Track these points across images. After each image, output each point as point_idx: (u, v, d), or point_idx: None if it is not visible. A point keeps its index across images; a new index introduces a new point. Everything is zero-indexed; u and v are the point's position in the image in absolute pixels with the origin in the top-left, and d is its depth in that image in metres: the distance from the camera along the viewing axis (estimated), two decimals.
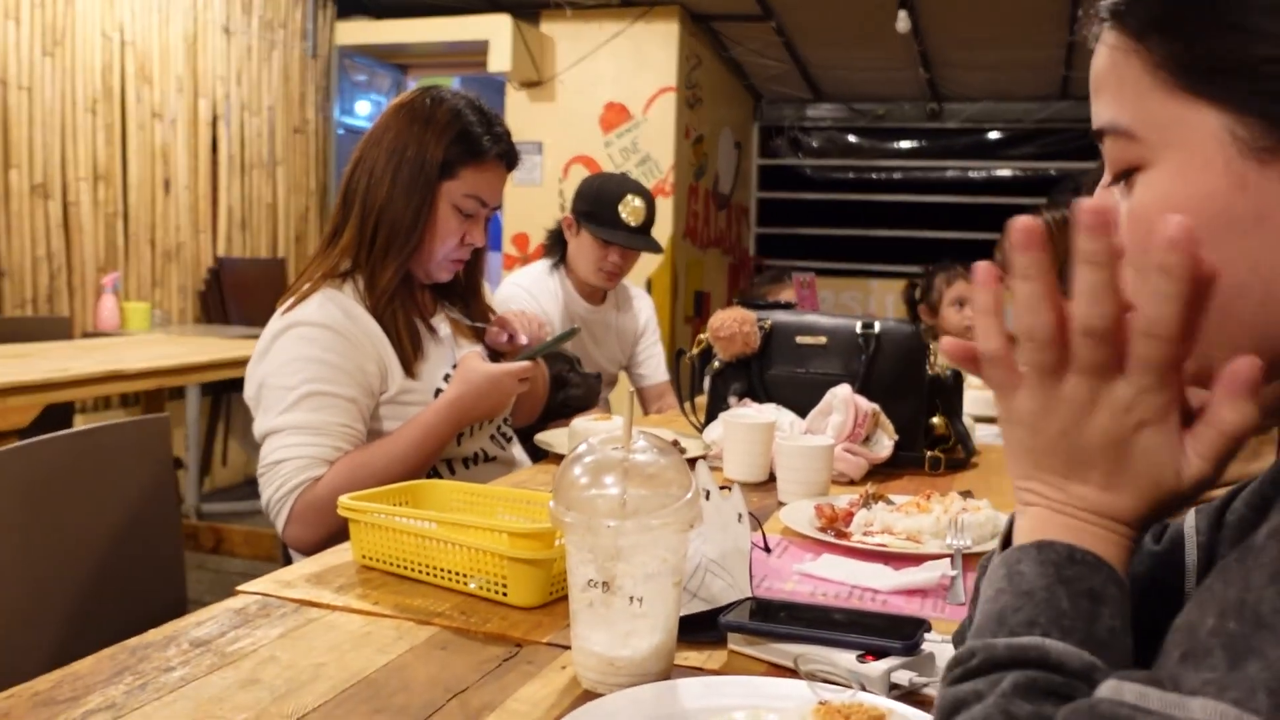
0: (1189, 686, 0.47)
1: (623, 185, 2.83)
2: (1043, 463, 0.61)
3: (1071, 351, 0.59)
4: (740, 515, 1.08)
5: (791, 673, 0.91)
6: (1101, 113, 0.65)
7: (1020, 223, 0.58)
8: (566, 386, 2.47)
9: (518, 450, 2.00)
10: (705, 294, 6.75)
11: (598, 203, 2.78)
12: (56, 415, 3.17)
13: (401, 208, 1.72)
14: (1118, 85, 0.64)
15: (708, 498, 1.05)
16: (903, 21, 5.41)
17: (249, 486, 5.23)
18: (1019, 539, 0.62)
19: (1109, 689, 0.49)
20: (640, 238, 2.80)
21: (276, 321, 1.70)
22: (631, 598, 0.87)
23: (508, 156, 1.80)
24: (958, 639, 0.75)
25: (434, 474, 1.79)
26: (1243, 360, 0.56)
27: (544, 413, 2.23)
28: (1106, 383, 0.58)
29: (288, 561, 1.75)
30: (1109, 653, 0.55)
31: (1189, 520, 0.78)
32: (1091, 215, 0.57)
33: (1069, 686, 0.53)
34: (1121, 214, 0.64)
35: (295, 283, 1.77)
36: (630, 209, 2.76)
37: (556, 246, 2.94)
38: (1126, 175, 0.64)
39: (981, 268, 0.61)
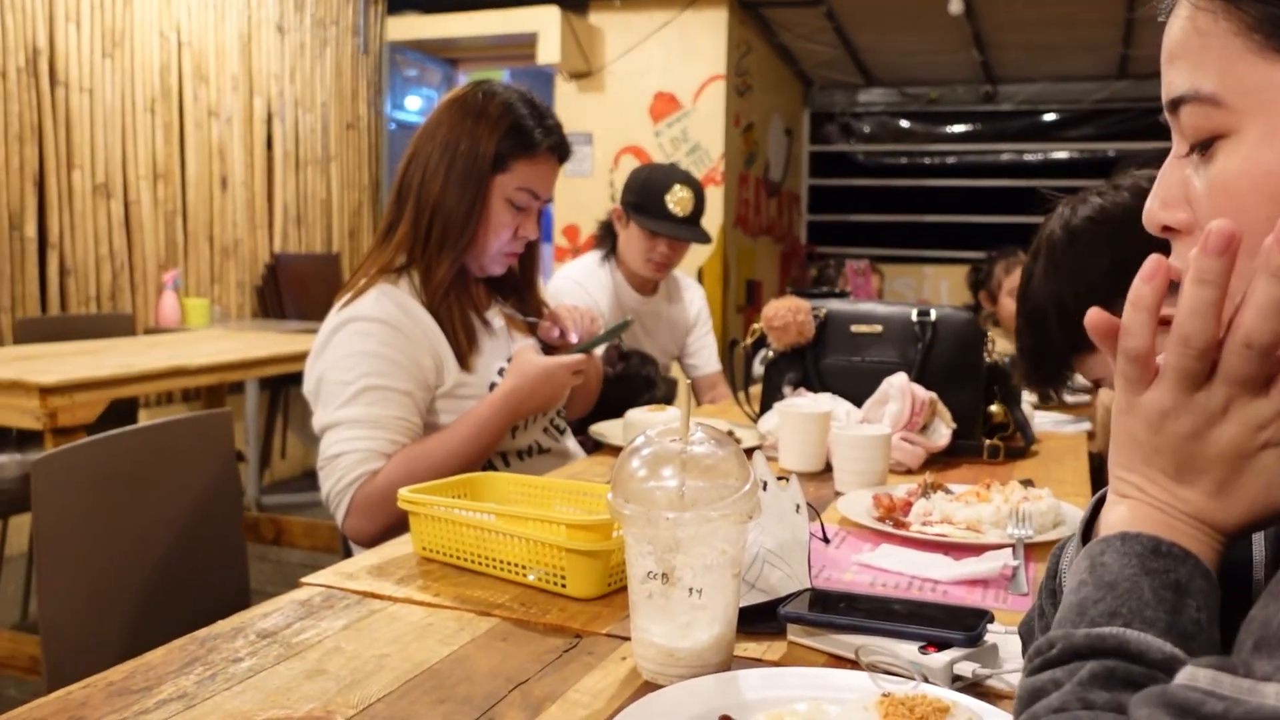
0: (1261, 672, 0.47)
1: (670, 175, 2.82)
2: (1154, 460, 0.61)
3: (1224, 360, 0.57)
4: (798, 506, 1.07)
5: (852, 664, 0.91)
6: (1178, 81, 0.63)
7: (1220, 226, 0.55)
8: (653, 388, 2.48)
9: (571, 442, 2.00)
10: (757, 283, 6.73)
11: (644, 194, 2.78)
12: (122, 410, 3.24)
13: (455, 202, 1.73)
14: (1200, 51, 0.62)
15: (765, 489, 1.04)
16: (956, 3, 5.34)
17: (308, 479, 5.31)
18: (1109, 530, 0.61)
19: (1184, 675, 0.50)
20: (687, 228, 2.79)
21: (334, 317, 1.72)
22: (691, 589, 0.87)
23: (559, 149, 1.81)
24: (1023, 630, 0.74)
25: (489, 466, 1.80)
26: None
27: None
28: (1245, 397, 0.57)
29: (347, 553, 1.78)
30: (1193, 644, 0.54)
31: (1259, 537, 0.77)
32: (1226, 238, 0.55)
33: (1149, 676, 0.52)
34: (1196, 186, 0.63)
35: (352, 278, 1.79)
36: (677, 199, 2.76)
37: (607, 238, 2.94)
38: (1205, 145, 0.62)
39: (1155, 260, 0.59)
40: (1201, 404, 0.58)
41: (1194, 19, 0.62)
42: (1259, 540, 0.75)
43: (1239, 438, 0.58)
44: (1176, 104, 0.63)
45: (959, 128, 7.57)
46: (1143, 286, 0.59)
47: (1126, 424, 0.62)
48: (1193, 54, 0.62)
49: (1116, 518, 0.61)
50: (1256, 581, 0.75)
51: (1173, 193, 0.65)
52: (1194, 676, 0.49)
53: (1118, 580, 0.57)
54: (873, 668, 0.87)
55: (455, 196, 1.73)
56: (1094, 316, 0.62)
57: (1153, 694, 0.49)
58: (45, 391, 2.51)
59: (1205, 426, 0.58)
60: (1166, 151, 0.67)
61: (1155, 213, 0.66)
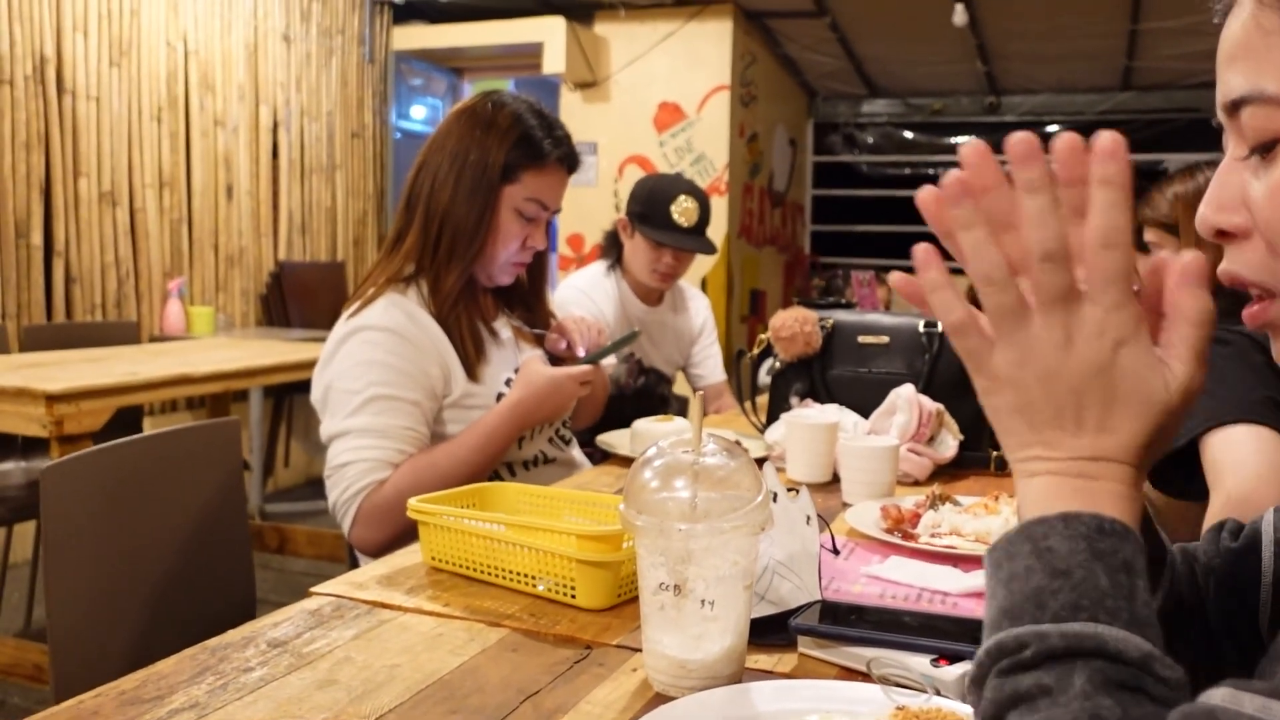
0: None
1: (675, 186, 2.83)
2: (1035, 419, 0.59)
3: (1034, 284, 0.58)
4: (809, 517, 1.07)
5: (863, 677, 0.91)
6: (1238, 82, 0.61)
7: (1016, 137, 0.57)
8: (668, 405, 2.49)
9: (576, 452, 2.00)
10: (761, 292, 6.73)
11: (650, 204, 2.78)
12: (127, 418, 3.24)
13: (464, 212, 1.73)
14: (1263, 52, 0.60)
15: (776, 500, 1.04)
16: (960, 15, 5.35)
17: (311, 487, 5.31)
18: (1031, 512, 0.59)
19: (1225, 697, 0.48)
20: (692, 238, 2.80)
21: (342, 326, 1.72)
22: (703, 601, 0.87)
23: (568, 160, 1.81)
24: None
25: (495, 476, 1.80)
26: (1188, 254, 0.58)
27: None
28: (1074, 310, 0.57)
29: (353, 562, 1.78)
30: (1150, 630, 0.53)
31: (1267, 518, 0.76)
32: (1021, 145, 0.57)
33: (1135, 677, 0.51)
34: (1256, 190, 0.61)
35: (360, 287, 1.79)
36: (682, 209, 2.76)
37: (612, 248, 2.94)
38: (1267, 148, 0.61)
39: (919, 251, 0.61)
40: (1041, 336, 0.58)
41: (1258, 18, 0.60)
42: (1268, 543, 0.75)
43: (1090, 351, 0.57)
44: (1237, 105, 0.62)
45: (962, 138, 7.56)
46: (926, 274, 0.61)
47: (999, 401, 0.61)
48: (1257, 54, 0.60)
49: (1034, 497, 0.59)
50: (1264, 588, 0.75)
51: (1228, 195, 0.64)
52: (1238, 700, 0.48)
53: (1071, 567, 0.54)
54: (885, 680, 0.87)
55: (464, 206, 1.73)
56: (896, 279, 0.64)
57: (1196, 712, 0.48)
58: (51, 399, 2.52)
59: (1056, 356, 0.58)
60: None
61: (1209, 217, 0.64)
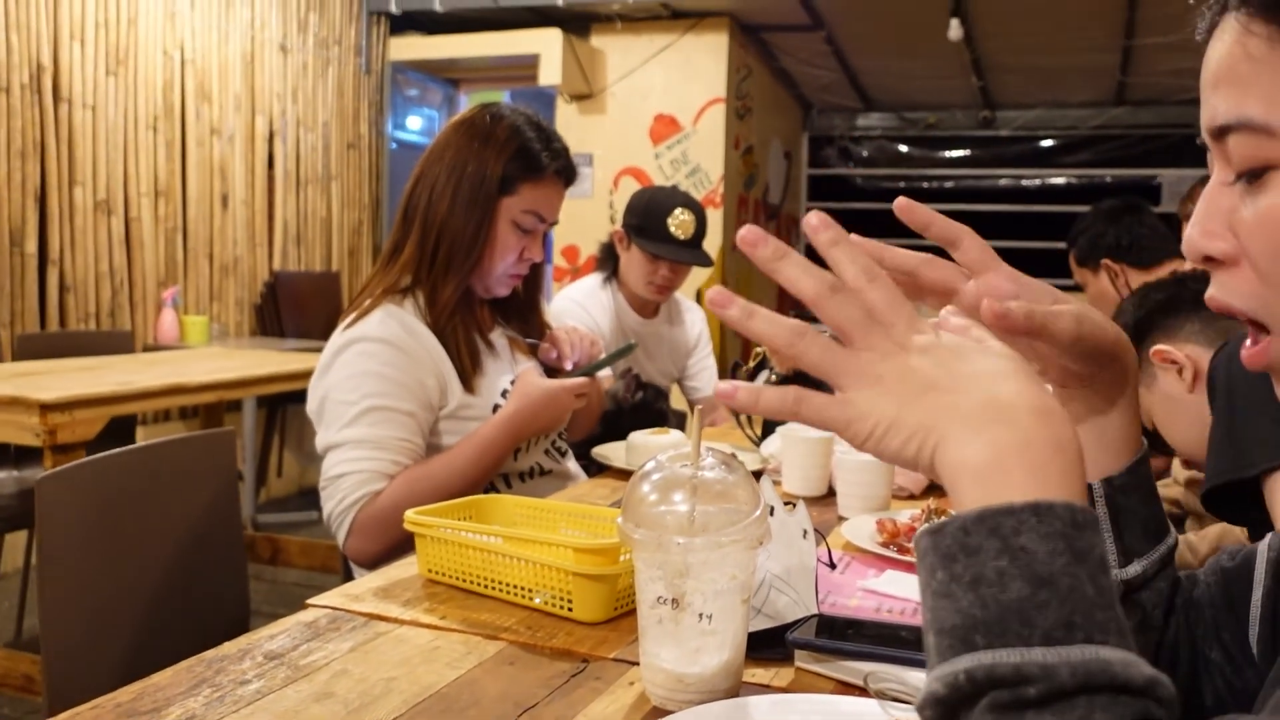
0: None
1: (672, 198, 2.83)
2: (909, 392, 0.57)
3: (830, 320, 0.60)
4: (806, 531, 1.07)
5: (860, 691, 0.91)
6: (1225, 109, 0.60)
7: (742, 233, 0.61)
8: (666, 421, 2.49)
9: (572, 464, 2.00)
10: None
11: (646, 216, 2.79)
12: (120, 427, 3.23)
13: (462, 224, 1.73)
14: (1250, 78, 0.59)
15: (772, 514, 1.05)
16: (955, 30, 5.37)
17: (304, 498, 5.30)
18: (972, 488, 0.54)
19: None
20: (689, 251, 2.80)
21: (338, 337, 1.72)
22: (700, 614, 0.87)
23: (566, 172, 1.82)
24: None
25: (491, 488, 1.80)
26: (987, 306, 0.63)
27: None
28: (872, 328, 0.59)
29: (346, 573, 1.78)
30: (1129, 636, 0.49)
31: (1267, 539, 0.77)
32: (749, 235, 0.61)
33: (1144, 709, 0.47)
34: (1245, 216, 0.61)
35: (356, 298, 1.79)
36: (679, 222, 2.76)
37: (608, 260, 2.94)
38: (1254, 175, 0.60)
39: (748, 235, 0.63)
40: (866, 351, 0.59)
41: (1244, 43, 0.59)
42: (1261, 562, 0.76)
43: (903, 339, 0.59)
44: (1223, 131, 0.61)
45: (957, 152, 7.61)
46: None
47: (883, 424, 0.58)
48: (1242, 80, 0.59)
49: (983, 462, 0.54)
50: (1254, 604, 0.75)
51: (1215, 222, 0.63)
52: None
53: (1056, 575, 0.49)
54: (881, 695, 0.87)
55: (462, 218, 1.73)
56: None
57: None
58: (45, 408, 2.51)
59: (884, 362, 0.58)
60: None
61: (1196, 242, 0.63)
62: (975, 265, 0.73)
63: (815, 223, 0.61)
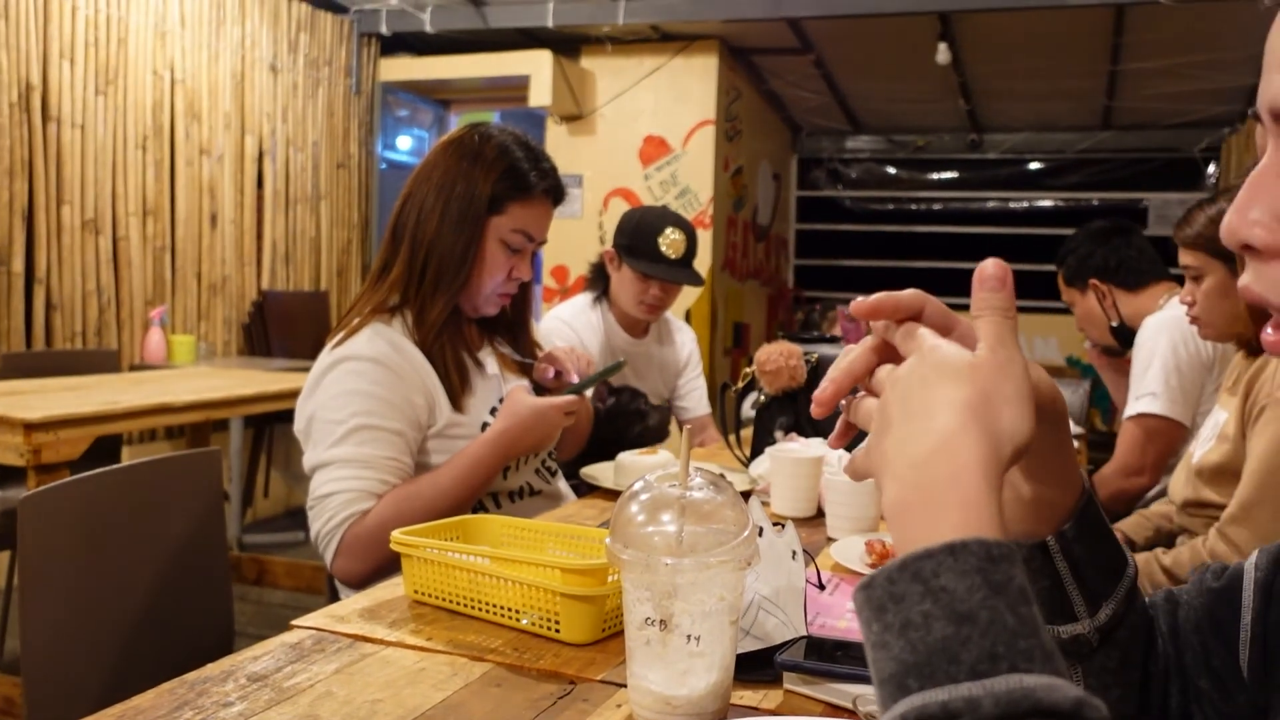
0: None
1: (663, 218, 2.83)
2: (880, 432, 0.62)
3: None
4: (794, 552, 1.07)
5: (849, 713, 0.90)
6: None
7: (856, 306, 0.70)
8: (645, 418, 2.48)
9: (562, 484, 2.00)
10: (745, 325, 6.75)
11: (638, 236, 2.79)
12: (106, 447, 3.21)
13: (450, 243, 1.73)
14: None
15: (761, 534, 1.04)
16: (943, 53, 5.41)
17: (290, 518, 5.26)
18: (893, 534, 0.57)
19: None
20: (681, 270, 2.80)
21: (326, 356, 1.71)
22: (689, 636, 0.86)
23: (554, 192, 1.82)
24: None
25: (480, 507, 1.79)
26: (990, 261, 0.66)
27: (622, 445, 2.25)
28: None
29: (332, 594, 1.76)
30: (1057, 660, 0.50)
31: (1251, 559, 0.77)
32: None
33: None
34: None
35: (344, 317, 1.78)
36: (670, 242, 2.76)
37: (599, 280, 2.94)
38: None
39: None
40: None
41: None
42: (1248, 583, 0.75)
43: (902, 371, 0.64)
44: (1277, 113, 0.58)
45: (945, 175, 7.66)
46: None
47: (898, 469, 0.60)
48: None
49: (893, 514, 0.58)
50: (1244, 626, 0.75)
51: (1261, 207, 0.60)
52: None
53: (975, 610, 0.50)
54: (870, 717, 0.87)
55: (450, 238, 1.73)
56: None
57: None
58: (30, 427, 2.49)
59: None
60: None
61: (1236, 227, 0.60)
62: (940, 328, 0.72)
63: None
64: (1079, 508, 0.73)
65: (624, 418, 2.60)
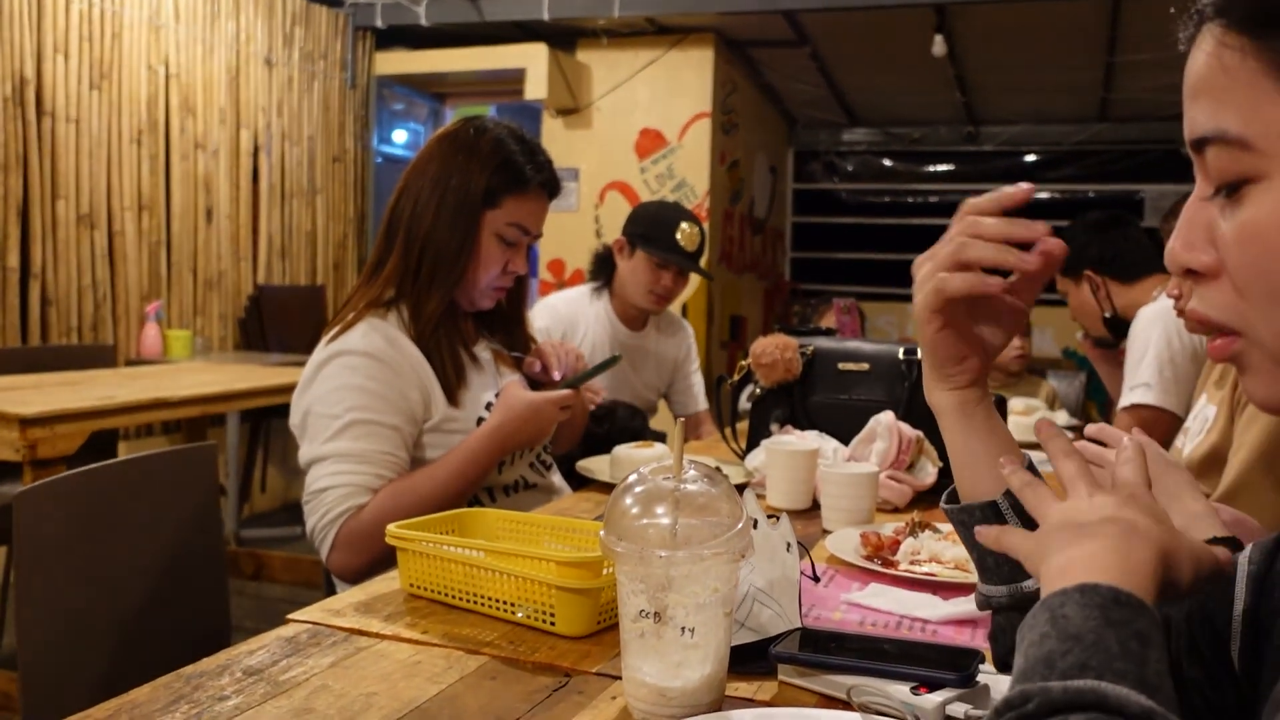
0: None
1: (678, 212, 2.89)
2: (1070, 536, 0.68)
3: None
4: (789, 544, 1.07)
5: (843, 705, 0.90)
6: (1203, 120, 0.60)
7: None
8: (640, 437, 2.48)
9: (557, 478, 2.00)
10: (741, 319, 6.75)
11: (655, 226, 2.82)
12: (102, 442, 3.21)
13: (446, 236, 1.73)
14: (1226, 89, 0.58)
15: (756, 526, 1.04)
16: (939, 45, 5.40)
17: (287, 512, 5.27)
18: (1059, 576, 0.63)
19: None
20: (694, 262, 2.84)
21: (321, 350, 1.71)
22: (683, 628, 0.86)
23: (550, 185, 1.82)
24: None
25: (475, 501, 1.80)
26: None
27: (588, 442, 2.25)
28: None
29: (329, 588, 1.76)
30: (1160, 695, 0.53)
31: (1245, 552, 0.77)
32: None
33: None
34: (1224, 230, 0.61)
35: (340, 312, 1.78)
36: (686, 234, 2.81)
37: (602, 270, 2.95)
38: (1233, 189, 0.59)
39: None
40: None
41: (1219, 55, 0.59)
42: (1241, 576, 0.76)
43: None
44: (1201, 143, 0.61)
45: (941, 167, 7.65)
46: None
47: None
48: (1218, 92, 0.59)
49: (1069, 563, 0.64)
50: (1234, 618, 0.75)
51: (1196, 235, 0.63)
52: None
53: (1082, 632, 0.56)
54: (865, 708, 0.87)
55: (446, 231, 1.73)
56: (1043, 427, 0.80)
57: None
58: (25, 423, 2.49)
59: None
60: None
61: (1178, 254, 0.64)
62: None
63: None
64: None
65: (622, 438, 2.61)
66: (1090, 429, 1.29)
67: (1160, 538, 0.65)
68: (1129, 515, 0.66)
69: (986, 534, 0.76)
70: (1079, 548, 0.64)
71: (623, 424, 2.53)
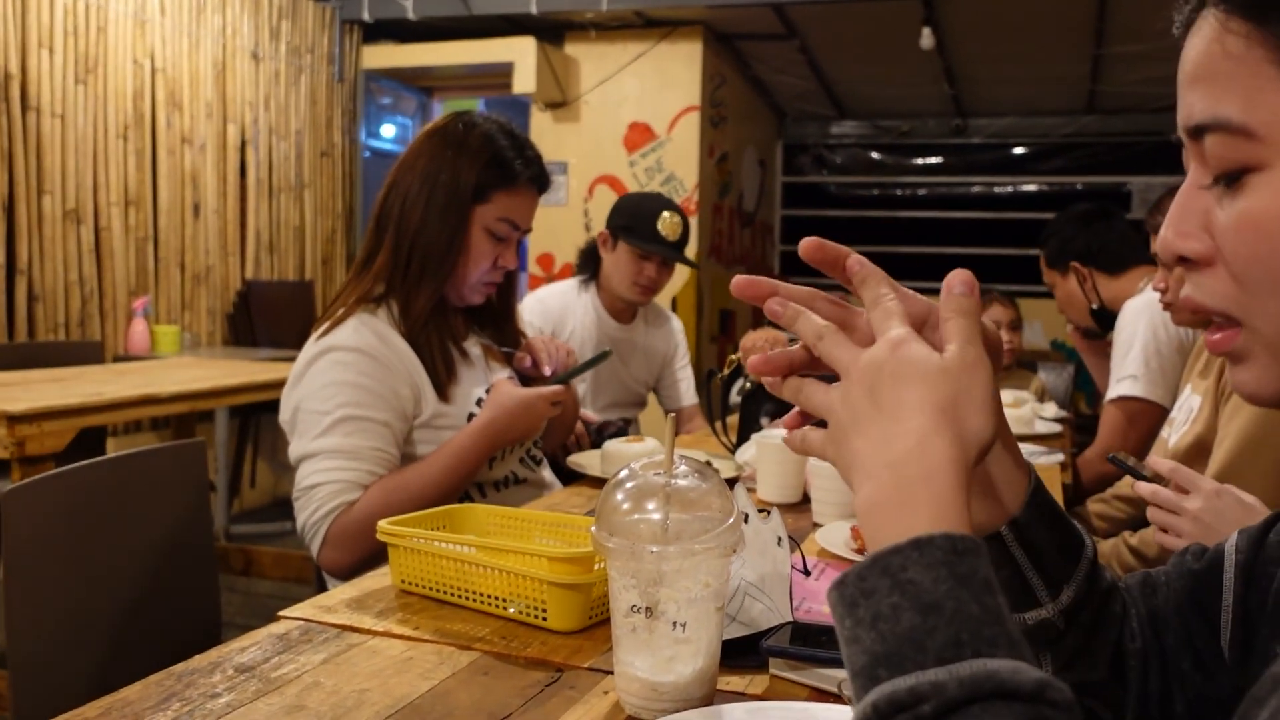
0: None
1: (659, 202, 2.88)
2: (851, 429, 0.63)
3: (825, 356, 0.68)
4: (780, 539, 1.07)
5: (835, 698, 0.91)
6: (1201, 107, 0.59)
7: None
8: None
9: (547, 473, 2.00)
10: (731, 312, 6.75)
11: (636, 217, 2.81)
12: (90, 439, 3.20)
13: (435, 232, 1.73)
14: (1227, 77, 0.57)
15: (747, 521, 1.05)
16: (927, 38, 5.41)
17: (277, 508, 5.26)
18: (866, 531, 0.59)
19: None
20: (677, 252, 2.84)
21: (311, 347, 1.71)
22: (674, 623, 0.87)
23: (539, 180, 1.82)
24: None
25: (465, 497, 1.79)
26: (957, 271, 0.67)
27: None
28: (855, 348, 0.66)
29: (320, 584, 1.76)
30: (1024, 648, 0.51)
31: (1231, 540, 0.77)
32: (743, 286, 0.73)
33: (1034, 712, 0.48)
34: (1220, 218, 0.60)
35: (329, 307, 1.78)
36: (668, 224, 2.80)
37: (589, 263, 2.95)
38: (1232, 177, 0.59)
39: (770, 306, 0.72)
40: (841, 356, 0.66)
41: (1222, 41, 0.58)
42: (1229, 565, 0.76)
43: (873, 352, 0.63)
44: (1199, 131, 0.60)
45: (930, 160, 7.67)
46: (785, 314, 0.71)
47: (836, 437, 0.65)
48: (1219, 79, 0.58)
49: (867, 511, 0.59)
50: (1225, 608, 0.76)
51: (1190, 222, 0.62)
52: None
53: (940, 600, 0.52)
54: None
55: (435, 227, 1.73)
56: (753, 362, 0.73)
57: None
58: (13, 420, 2.48)
59: (855, 365, 0.64)
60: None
61: (1171, 242, 0.63)
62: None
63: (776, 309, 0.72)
64: (1029, 494, 0.74)
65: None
66: (1164, 469, 1.35)
67: (959, 434, 0.60)
68: (925, 416, 0.60)
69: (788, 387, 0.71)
70: (881, 477, 0.59)
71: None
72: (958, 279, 0.66)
